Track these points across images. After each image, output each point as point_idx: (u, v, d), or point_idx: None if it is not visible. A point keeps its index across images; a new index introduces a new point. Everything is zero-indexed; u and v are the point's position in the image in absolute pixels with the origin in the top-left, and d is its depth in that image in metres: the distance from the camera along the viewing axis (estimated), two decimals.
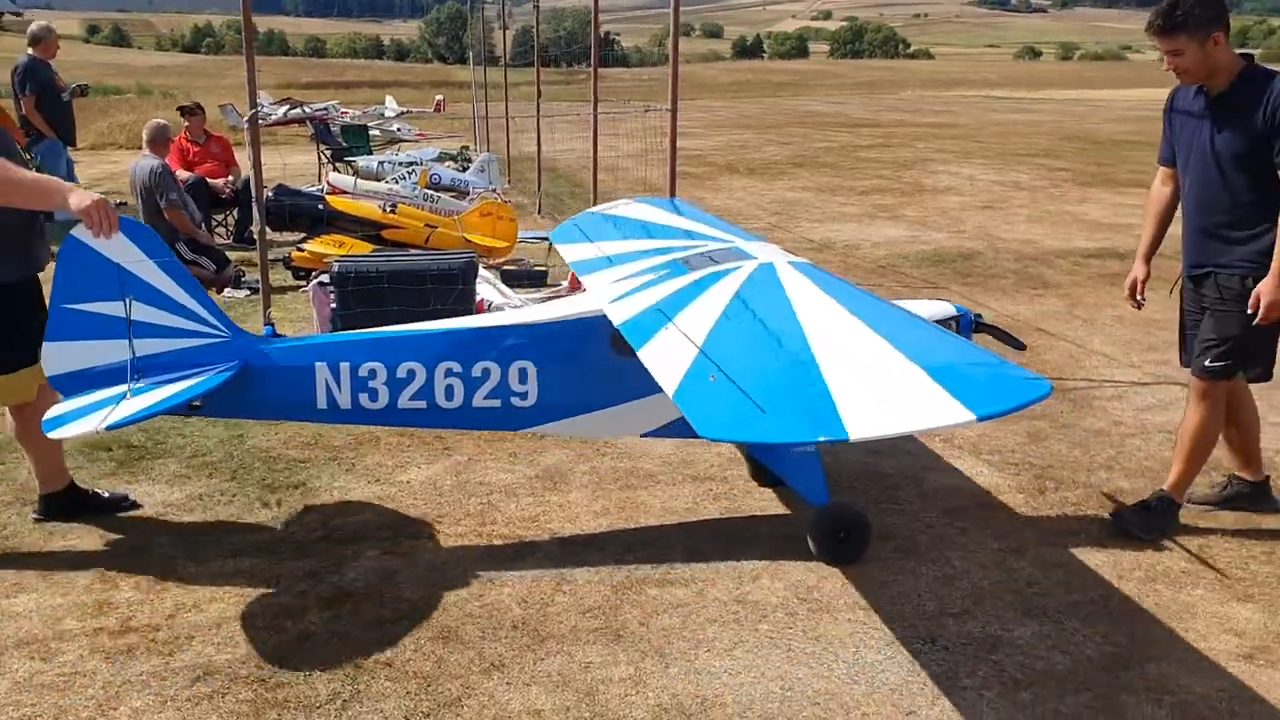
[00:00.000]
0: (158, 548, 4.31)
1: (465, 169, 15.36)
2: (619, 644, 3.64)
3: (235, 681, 3.41)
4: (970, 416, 2.76)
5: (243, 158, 10.32)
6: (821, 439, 2.90)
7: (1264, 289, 4.13)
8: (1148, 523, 4.44)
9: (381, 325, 4.45)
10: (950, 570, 4.14)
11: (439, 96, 34.68)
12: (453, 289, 6.69)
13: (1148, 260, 4.73)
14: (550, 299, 4.95)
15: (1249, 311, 4.19)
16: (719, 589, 4.00)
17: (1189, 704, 3.30)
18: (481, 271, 7.38)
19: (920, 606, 3.86)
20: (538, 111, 14.29)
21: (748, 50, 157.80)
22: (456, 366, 4.18)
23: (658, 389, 3.59)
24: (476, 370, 4.20)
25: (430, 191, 12.60)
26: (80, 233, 3.93)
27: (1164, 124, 4.63)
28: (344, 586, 4.01)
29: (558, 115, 15.28)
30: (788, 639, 3.66)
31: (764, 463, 4.73)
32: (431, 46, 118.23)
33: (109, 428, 3.69)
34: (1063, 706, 3.28)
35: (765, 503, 4.77)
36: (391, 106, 29.54)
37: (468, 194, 13.25)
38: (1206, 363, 4.34)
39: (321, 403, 4.17)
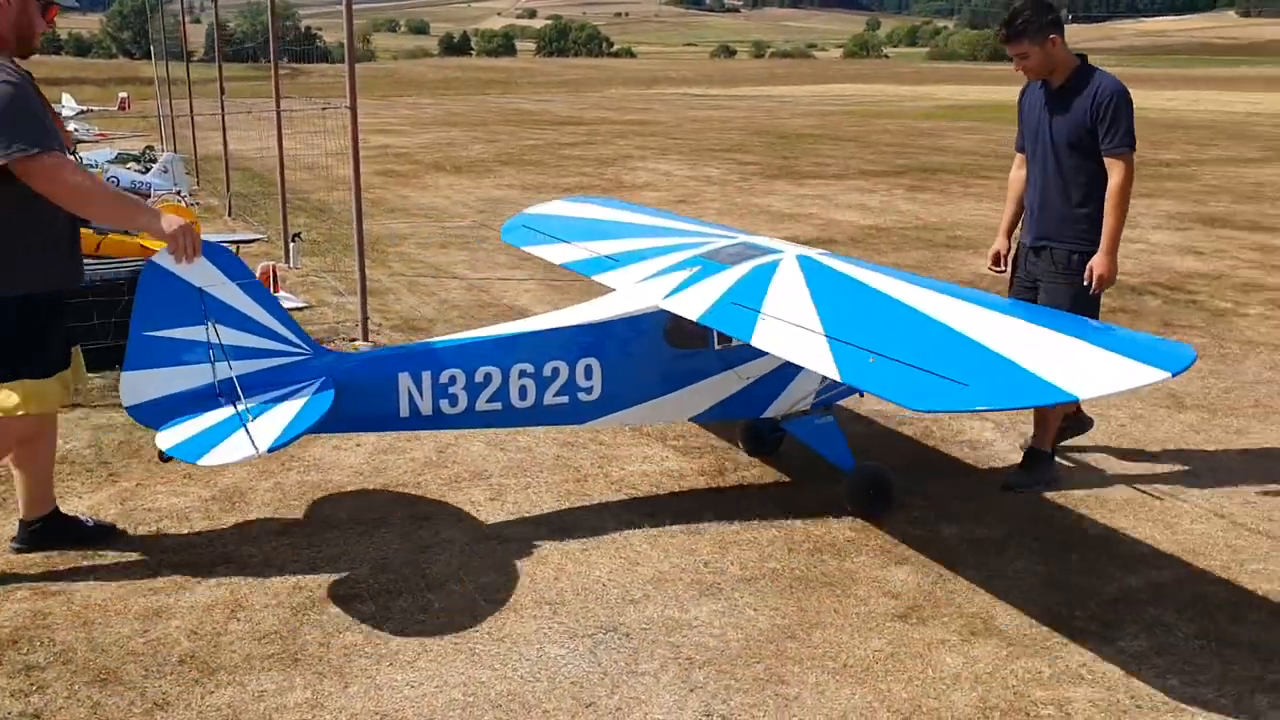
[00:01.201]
0: None
1: (148, 170, 14.37)
2: (296, 668, 3.48)
3: None
4: (1166, 374, 3.20)
5: None
6: (1048, 402, 3.40)
7: (1096, 263, 4.80)
8: (1034, 476, 5.03)
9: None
10: (634, 556, 4.23)
11: (123, 94, 32.26)
12: (119, 300, 6.21)
13: (1008, 235, 5.37)
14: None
15: (1084, 283, 4.83)
16: (405, 600, 3.91)
17: (849, 667, 3.51)
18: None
19: (604, 596, 3.92)
20: (221, 109, 13.56)
21: (455, 47, 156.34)
22: (530, 368, 4.35)
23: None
24: (547, 370, 4.38)
25: None
26: (162, 259, 3.86)
27: (1018, 114, 5.26)
28: None
29: (243, 113, 14.53)
30: (472, 643, 3.62)
31: (792, 434, 4.98)
32: (115, 41, 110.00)
33: (271, 449, 3.67)
34: (734, 681, 3.41)
35: (456, 509, 4.71)
36: (69, 105, 27.22)
37: (149, 196, 12.38)
38: None
39: (404, 411, 4.24)
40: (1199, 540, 4.50)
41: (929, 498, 4.86)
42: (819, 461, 4.98)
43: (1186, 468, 5.29)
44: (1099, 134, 4.78)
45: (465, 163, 20.16)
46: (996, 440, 5.61)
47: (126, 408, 3.95)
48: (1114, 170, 4.79)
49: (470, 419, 4.35)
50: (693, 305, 4.31)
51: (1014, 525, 4.60)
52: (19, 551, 4.21)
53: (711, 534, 4.44)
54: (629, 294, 4.69)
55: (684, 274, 4.62)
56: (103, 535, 4.36)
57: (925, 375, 3.40)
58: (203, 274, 3.90)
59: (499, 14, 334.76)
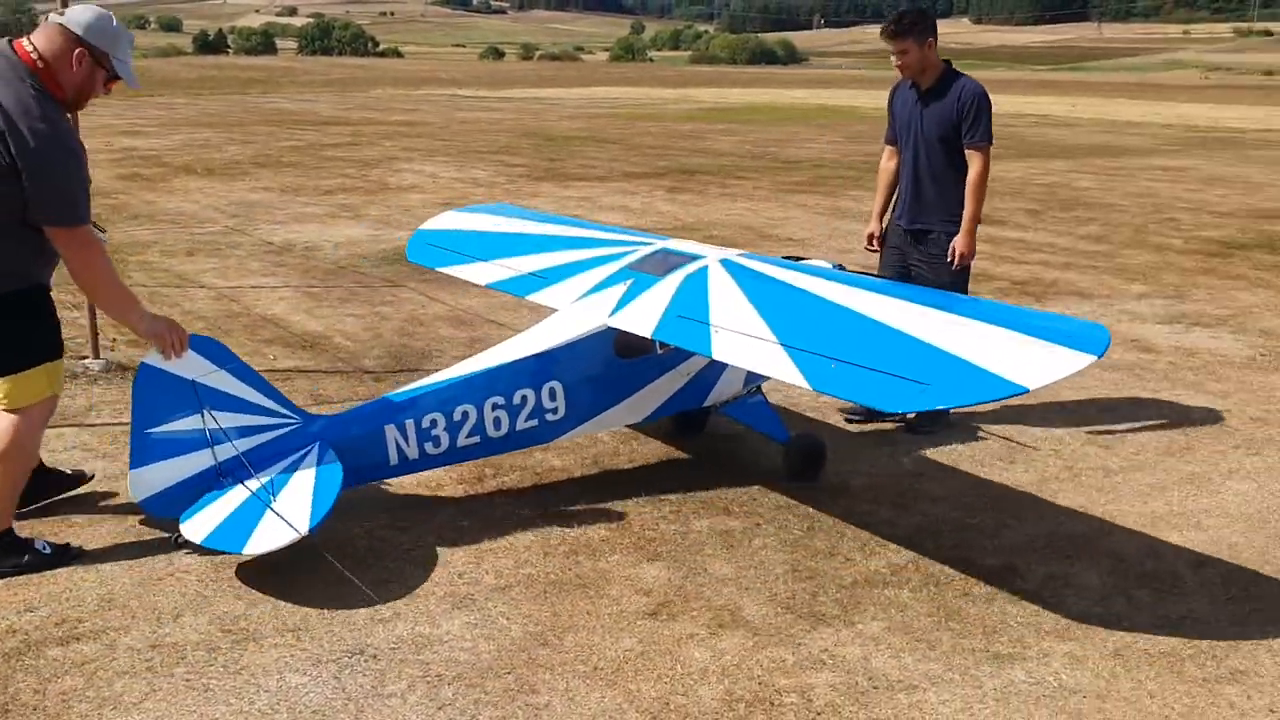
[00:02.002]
0: None
1: None
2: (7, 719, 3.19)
3: None
4: (1092, 358, 3.49)
5: None
6: (1002, 396, 3.51)
7: (958, 241, 5.63)
8: (935, 420, 5.75)
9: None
10: (385, 573, 4.10)
11: None
12: None
13: (880, 219, 6.12)
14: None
15: (948, 261, 5.64)
16: (133, 636, 3.64)
17: (600, 669, 3.51)
18: None
19: (351, 618, 3.78)
20: None
21: (210, 45, 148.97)
22: (501, 400, 4.60)
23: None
24: (517, 399, 4.64)
25: None
26: (152, 358, 4.08)
27: (888, 111, 5.97)
28: None
29: None
30: (207, 678, 3.41)
31: (727, 416, 5.40)
32: None
33: (312, 528, 3.87)
34: (484, 694, 3.35)
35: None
36: None
37: None
38: None
39: (394, 460, 4.44)
40: (934, 520, 4.75)
41: (683, 491, 4.94)
42: (579, 462, 4.98)
43: (921, 453, 5.58)
44: (963, 129, 5.56)
45: (218, 165, 19.19)
46: (747, 430, 5.78)
47: (138, 502, 4.12)
48: (974, 161, 5.57)
49: (452, 456, 4.58)
50: (641, 321, 4.53)
51: (762, 515, 4.73)
52: None
53: (468, 543, 4.36)
54: (575, 315, 4.86)
55: (619, 289, 4.82)
56: (59, 557, 4.18)
57: (886, 377, 3.64)
58: (193, 366, 4.11)
59: (257, 11, 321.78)
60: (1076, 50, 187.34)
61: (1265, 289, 9.65)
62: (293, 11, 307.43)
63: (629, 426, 5.41)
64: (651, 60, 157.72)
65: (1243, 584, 4.21)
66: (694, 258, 4.89)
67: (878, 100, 45.47)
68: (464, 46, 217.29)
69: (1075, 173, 19.26)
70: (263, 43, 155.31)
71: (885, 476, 5.25)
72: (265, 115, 34.70)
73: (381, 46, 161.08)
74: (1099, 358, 3.56)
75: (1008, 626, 3.86)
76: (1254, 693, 3.48)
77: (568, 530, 4.51)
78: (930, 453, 5.57)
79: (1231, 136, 29.33)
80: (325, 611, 3.82)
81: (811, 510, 4.82)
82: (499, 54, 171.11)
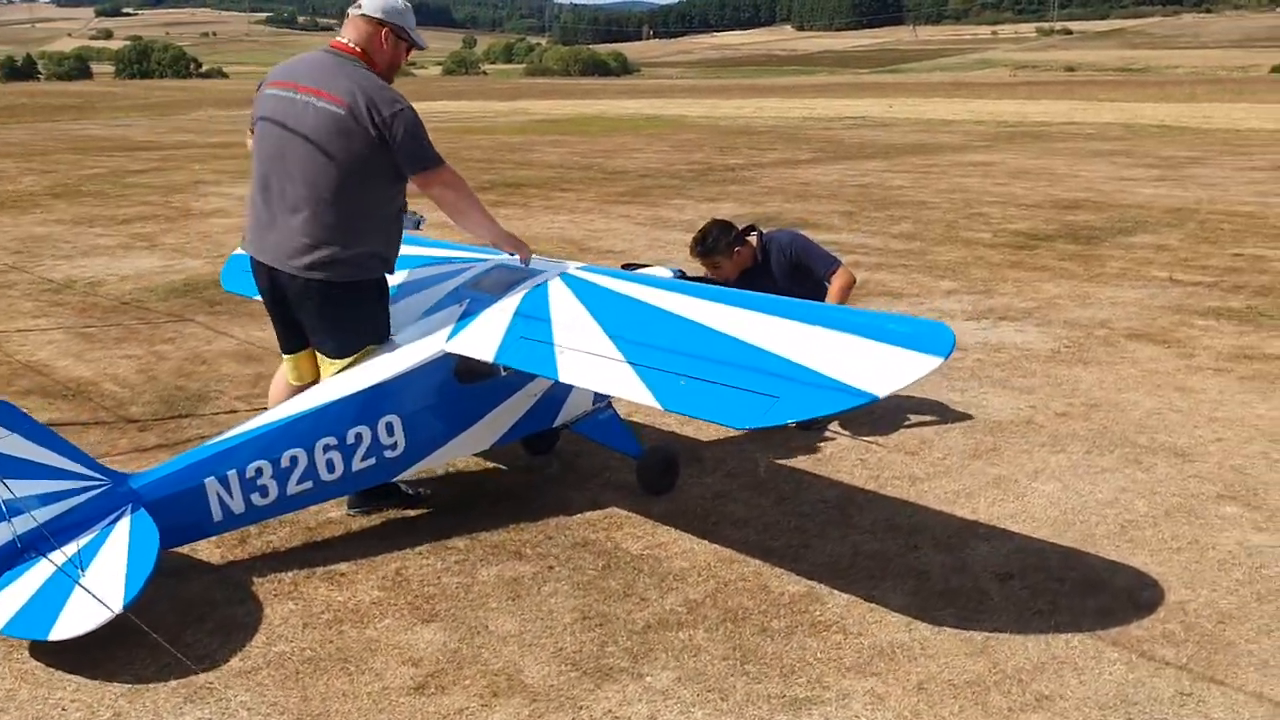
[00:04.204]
0: None
1: None
2: None
3: None
4: (939, 360, 3.41)
5: None
6: (852, 405, 3.44)
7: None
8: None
9: None
10: (111, 665, 3.56)
11: None
12: None
13: None
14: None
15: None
16: None
17: None
18: None
19: None
20: None
21: (19, 72, 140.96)
22: (333, 440, 4.23)
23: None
24: (351, 438, 4.27)
25: None
26: None
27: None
28: None
29: None
30: None
31: (579, 433, 5.18)
32: None
33: (127, 605, 3.46)
34: None
35: None
36: None
37: None
38: None
39: (217, 515, 4.03)
40: (736, 545, 4.49)
41: (471, 535, 4.55)
42: (360, 511, 4.53)
43: (725, 471, 5.33)
44: (814, 272, 5.96)
45: (8, 197, 17.84)
46: (550, 463, 5.43)
47: None
48: (836, 281, 5.94)
49: (284, 505, 4.21)
50: (481, 345, 4.34)
51: (556, 556, 4.38)
52: None
53: (215, 619, 3.87)
54: (410, 341, 4.55)
55: (456, 310, 4.62)
56: None
57: (736, 392, 3.55)
58: None
59: (69, 35, 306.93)
60: (894, 53, 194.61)
61: (1068, 279, 9.84)
62: (108, 35, 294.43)
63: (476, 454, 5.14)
64: (485, 74, 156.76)
65: (1049, 597, 4.06)
66: (533, 273, 4.70)
67: (707, 110, 46.25)
68: None
69: (889, 172, 19.62)
70: (77, 67, 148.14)
71: (689, 500, 4.97)
72: (73, 142, 32.80)
73: (205, 68, 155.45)
74: (945, 359, 3.46)
75: (806, 665, 3.59)
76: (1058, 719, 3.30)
77: (335, 594, 4.06)
78: (734, 469, 5.33)
79: (1038, 130, 30.57)
80: (28, 715, 3.29)
81: (610, 545, 4.49)
82: None
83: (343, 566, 4.28)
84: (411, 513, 4.82)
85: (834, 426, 5.93)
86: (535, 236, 12.67)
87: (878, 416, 6.09)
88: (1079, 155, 22.44)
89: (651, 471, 5.06)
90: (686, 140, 28.13)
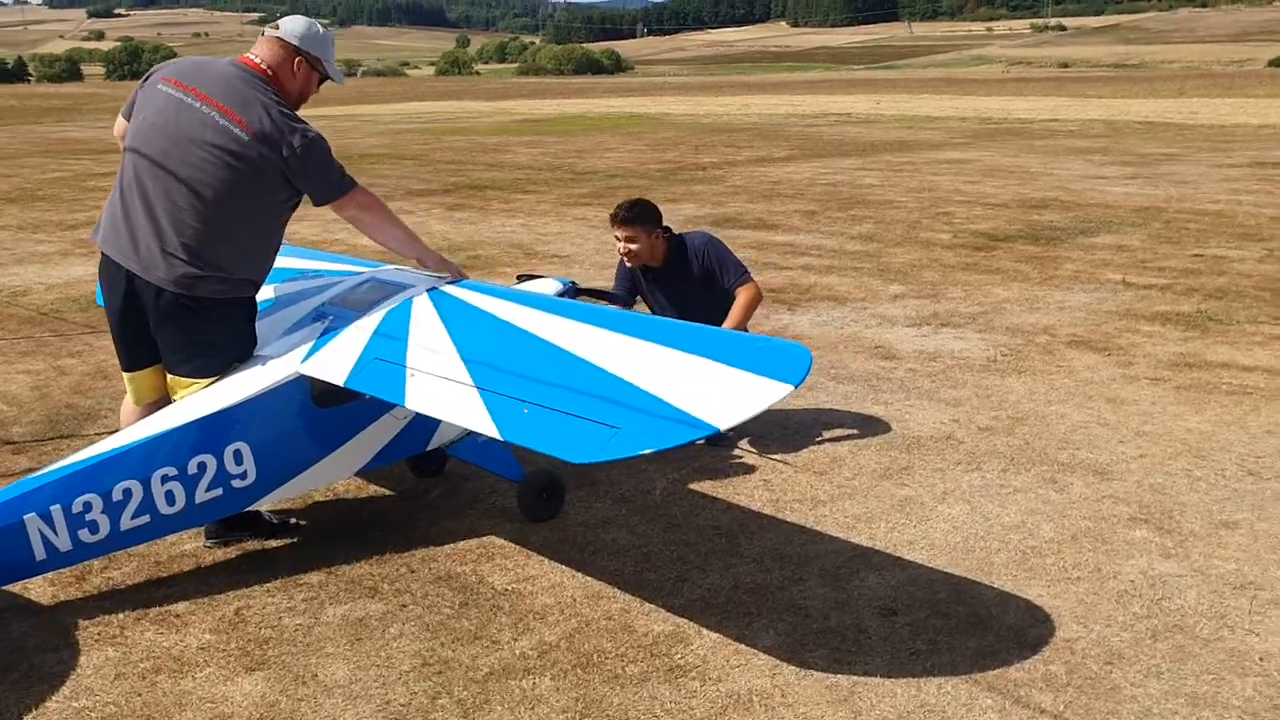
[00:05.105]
0: None
1: None
2: None
3: None
4: (790, 387, 3.18)
5: None
6: (693, 438, 3.19)
7: None
8: None
9: None
10: None
11: None
12: None
13: None
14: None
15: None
16: None
17: None
18: None
19: None
20: None
21: (10, 74, 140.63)
22: (173, 470, 3.92)
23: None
24: (193, 467, 3.97)
25: None
26: None
27: (637, 285, 5.93)
28: None
29: None
30: None
31: (457, 457, 4.98)
32: None
33: None
34: None
35: None
36: None
37: None
38: None
39: (40, 554, 3.70)
40: (609, 578, 4.21)
41: (329, 568, 4.26)
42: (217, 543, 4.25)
43: (620, 492, 5.04)
44: (722, 280, 5.69)
45: None
46: (435, 487, 5.14)
47: None
48: (742, 295, 5.65)
49: (118, 541, 3.88)
50: (334, 368, 4.07)
51: (414, 593, 4.09)
52: None
53: (23, 669, 3.57)
54: (265, 362, 4.26)
55: (318, 327, 4.36)
56: None
57: (577, 422, 3.32)
58: None
59: (61, 36, 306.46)
60: (890, 50, 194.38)
61: (1020, 282, 9.55)
62: (100, 36, 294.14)
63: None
64: (478, 74, 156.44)
65: (930, 635, 3.77)
66: (401, 288, 4.42)
67: (691, 107, 45.94)
68: None
69: (862, 170, 19.33)
70: (67, 69, 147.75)
71: (571, 527, 4.69)
72: (46, 144, 32.48)
73: None
74: (796, 387, 3.23)
75: (653, 717, 3.31)
76: None
77: (161, 639, 3.77)
78: (628, 493, 5.04)
79: (1020, 127, 30.28)
80: None
81: (474, 580, 4.21)
82: None
83: (180, 606, 3.98)
84: (274, 544, 4.52)
85: (744, 444, 5.65)
86: (483, 241, 12.41)
87: (792, 432, 5.82)
88: (1056, 153, 22.15)
89: (532, 497, 4.77)
90: (664, 139, 27.83)
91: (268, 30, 4.35)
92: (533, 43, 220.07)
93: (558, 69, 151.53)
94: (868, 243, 11.77)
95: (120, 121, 4.38)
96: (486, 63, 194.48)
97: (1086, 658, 3.60)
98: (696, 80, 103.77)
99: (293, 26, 4.33)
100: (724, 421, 3.16)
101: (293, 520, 4.68)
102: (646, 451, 3.25)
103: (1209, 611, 3.89)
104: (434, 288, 4.42)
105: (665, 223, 5.85)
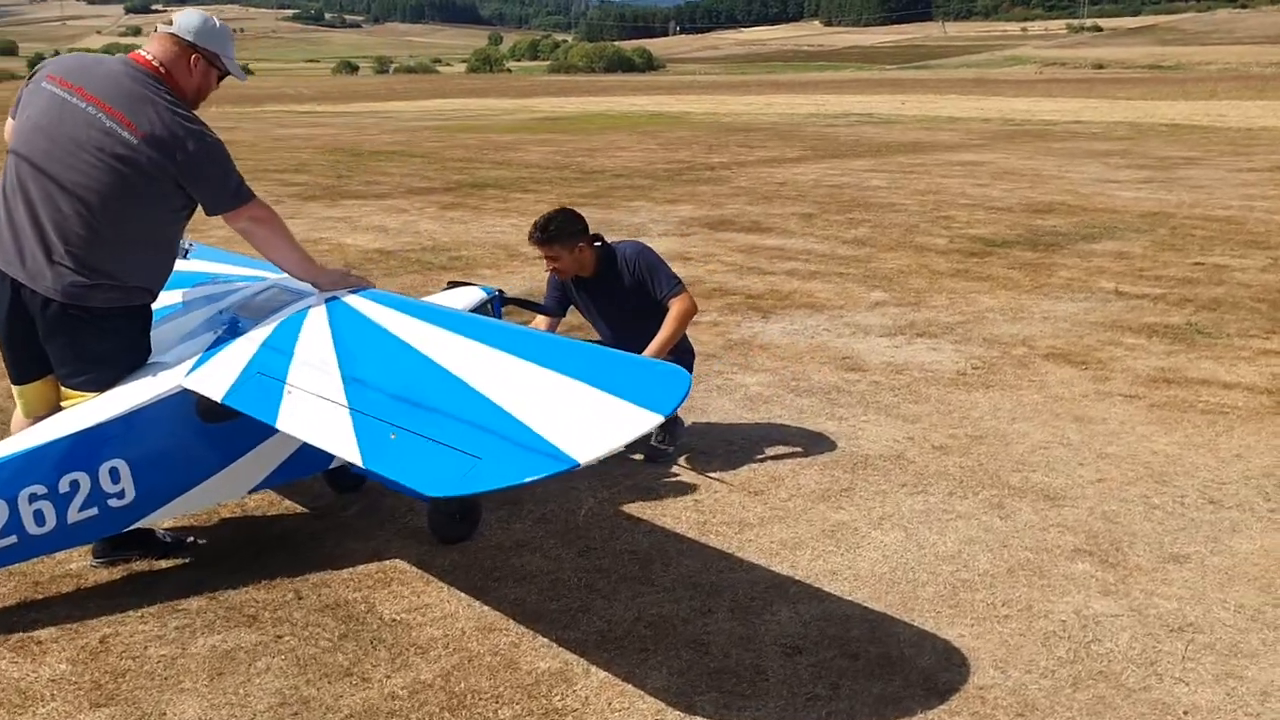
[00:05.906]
0: None
1: None
2: None
3: None
4: (659, 418, 2.97)
5: None
6: (553, 472, 2.86)
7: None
8: (674, 435, 5.42)
9: None
10: None
11: None
12: None
13: None
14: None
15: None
16: None
17: None
18: None
19: None
20: None
21: None
22: (41, 489, 3.69)
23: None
24: (65, 485, 3.74)
25: None
26: None
27: (569, 295, 5.66)
28: None
29: None
30: None
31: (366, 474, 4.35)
32: None
33: None
34: None
35: None
36: None
37: None
38: None
39: None
40: (507, 607, 3.95)
41: (213, 593, 4.04)
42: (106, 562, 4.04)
43: (542, 512, 4.79)
44: (654, 292, 5.40)
45: None
46: (352, 504, 4.92)
47: None
48: (675, 306, 5.36)
49: None
50: (216, 382, 3.84)
51: (295, 622, 3.86)
52: None
53: None
54: (147, 375, 4.04)
55: (209, 338, 4.17)
56: None
57: (440, 450, 3.09)
58: None
59: (99, 32, 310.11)
60: (924, 49, 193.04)
61: (1008, 290, 9.22)
62: (137, 31, 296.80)
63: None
64: (509, 71, 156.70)
65: (833, 678, 3.50)
66: (300, 296, 4.21)
67: (714, 106, 45.64)
68: (317, 61, 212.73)
69: (872, 171, 18.98)
70: None
71: (482, 551, 4.44)
72: None
73: None
74: (666, 417, 3.02)
75: None
76: None
77: (13, 669, 3.54)
78: (551, 513, 4.79)
79: (1042, 129, 29.77)
80: None
81: (363, 608, 3.97)
82: (353, 68, 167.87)
83: (45, 632, 3.77)
84: (164, 564, 4.31)
85: (682, 460, 5.39)
86: (469, 241, 12.20)
87: (736, 448, 5.55)
88: (1073, 155, 21.68)
89: (442, 517, 4.53)
90: (678, 138, 27.55)
91: (161, 26, 4.14)
92: (565, 40, 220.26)
93: (589, 67, 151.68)
94: (860, 247, 11.46)
95: (9, 122, 4.18)
96: (519, 60, 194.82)
97: (997, 708, 3.32)
98: (724, 79, 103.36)
99: (187, 21, 4.12)
100: (584, 456, 2.91)
101: (189, 539, 4.47)
102: (503, 487, 3.01)
103: (1139, 657, 3.60)
104: (334, 297, 4.20)
105: (596, 233, 5.59)
